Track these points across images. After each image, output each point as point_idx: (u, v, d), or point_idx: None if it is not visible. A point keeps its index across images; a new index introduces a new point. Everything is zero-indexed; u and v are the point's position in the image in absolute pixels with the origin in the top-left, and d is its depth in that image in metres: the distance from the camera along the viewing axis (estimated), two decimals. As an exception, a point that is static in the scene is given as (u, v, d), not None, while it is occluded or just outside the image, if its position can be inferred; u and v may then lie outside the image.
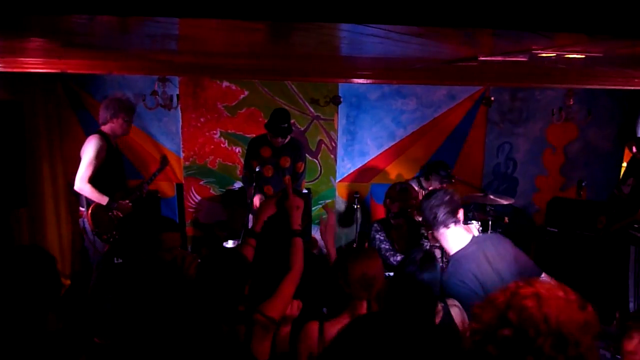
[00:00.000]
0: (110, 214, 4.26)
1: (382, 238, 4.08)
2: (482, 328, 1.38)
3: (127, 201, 4.38)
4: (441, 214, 2.59)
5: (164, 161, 4.94)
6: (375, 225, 4.23)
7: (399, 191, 4.07)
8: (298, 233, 2.62)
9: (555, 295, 1.37)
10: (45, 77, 5.14)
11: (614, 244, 4.58)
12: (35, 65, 3.80)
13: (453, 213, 2.61)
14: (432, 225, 2.65)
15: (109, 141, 4.31)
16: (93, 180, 4.19)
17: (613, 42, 1.69)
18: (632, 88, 4.71)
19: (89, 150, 4.17)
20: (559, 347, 1.30)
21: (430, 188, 5.46)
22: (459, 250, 2.61)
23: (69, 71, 4.09)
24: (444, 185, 5.42)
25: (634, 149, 4.85)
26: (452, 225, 2.61)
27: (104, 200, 4.20)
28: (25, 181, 4.99)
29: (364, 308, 2.31)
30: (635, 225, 4.47)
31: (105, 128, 4.34)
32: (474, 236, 2.65)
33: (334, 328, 2.22)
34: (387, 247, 4.03)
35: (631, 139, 4.93)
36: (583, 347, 1.30)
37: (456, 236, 2.62)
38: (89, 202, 4.23)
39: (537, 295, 1.36)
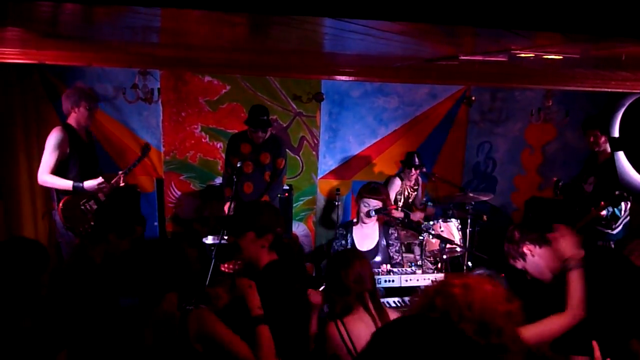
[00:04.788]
0: (82, 207, 4.20)
1: (336, 247, 4.08)
2: (413, 313, 1.51)
3: (98, 183, 4.25)
4: None
5: (146, 149, 4.78)
6: (339, 230, 4.20)
7: (370, 189, 4.09)
8: (261, 319, 2.24)
9: (482, 287, 1.48)
10: (22, 68, 5.04)
11: (584, 240, 4.66)
12: (12, 56, 3.72)
13: None
14: None
15: (73, 133, 4.24)
16: (57, 173, 4.16)
17: (588, 43, 1.73)
18: (609, 90, 4.79)
19: (48, 143, 4.16)
20: (481, 332, 1.39)
21: (411, 182, 5.52)
22: None
23: (47, 62, 4.02)
24: (417, 171, 5.48)
25: (592, 139, 4.92)
26: None
27: (67, 185, 4.14)
28: (0, 174, 4.91)
29: (368, 298, 2.59)
30: (603, 222, 4.55)
31: (71, 120, 4.28)
32: None
33: (354, 322, 2.47)
34: None
35: (595, 127, 4.95)
36: (505, 336, 1.40)
37: None
38: (59, 196, 4.18)
39: (465, 285, 1.47)
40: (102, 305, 2.73)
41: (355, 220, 4.17)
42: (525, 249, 2.58)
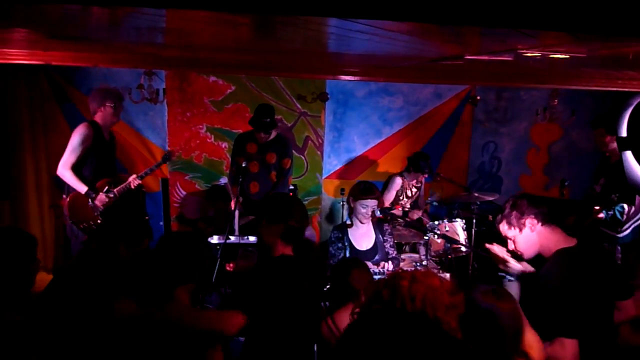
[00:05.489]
0: (90, 204, 4.25)
1: (333, 252, 4.04)
2: (362, 303, 1.58)
3: (111, 194, 4.34)
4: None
5: (168, 156, 4.86)
6: (334, 233, 4.12)
7: (362, 189, 4.06)
8: None
9: (428, 281, 1.57)
10: (29, 69, 5.06)
11: (589, 241, 4.63)
12: (19, 57, 3.74)
13: None
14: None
15: (98, 131, 4.32)
16: (76, 168, 4.23)
17: (596, 42, 1.72)
18: (615, 89, 4.77)
19: (73, 137, 4.24)
20: (423, 323, 1.41)
21: (414, 182, 5.51)
22: None
23: (54, 63, 4.04)
24: (425, 175, 5.47)
25: (597, 138, 4.87)
26: None
27: (82, 189, 4.22)
28: (8, 174, 4.94)
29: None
30: (604, 229, 4.53)
31: (97, 118, 4.38)
32: None
33: (342, 316, 2.51)
34: (338, 259, 4.01)
35: (601, 126, 4.91)
36: (445, 327, 1.49)
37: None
38: (69, 190, 4.24)
39: (412, 278, 1.56)
40: (96, 308, 2.72)
41: (349, 222, 4.12)
42: (527, 221, 2.56)
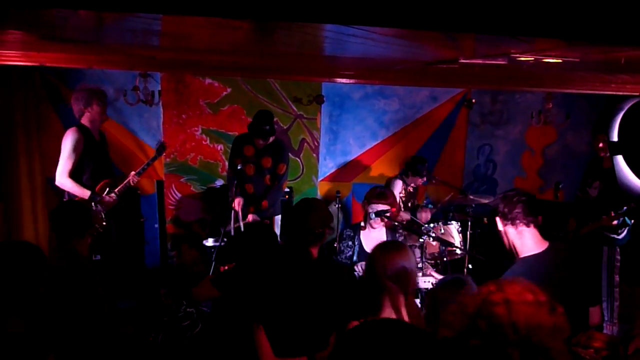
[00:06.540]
0: (94, 209, 4.22)
1: (342, 248, 4.09)
2: (453, 335, 1.35)
3: (113, 195, 4.31)
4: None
5: (162, 148, 4.84)
6: (346, 231, 4.21)
7: (377, 194, 4.09)
8: None
9: (525, 300, 1.34)
10: (23, 70, 5.04)
11: (587, 244, 4.66)
12: (13, 58, 3.72)
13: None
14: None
15: (88, 133, 4.28)
16: (74, 174, 4.18)
17: (589, 47, 1.73)
18: (609, 93, 4.80)
19: (66, 144, 4.19)
20: (529, 355, 1.27)
21: (412, 185, 5.53)
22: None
23: (48, 65, 4.03)
24: (424, 179, 5.49)
25: (601, 144, 4.91)
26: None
27: (85, 194, 4.18)
28: (1, 175, 4.91)
29: (402, 301, 2.30)
30: (606, 232, 4.55)
31: (84, 120, 4.33)
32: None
33: None
34: (345, 256, 4.05)
35: (601, 132, 4.95)
36: (554, 352, 1.28)
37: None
38: (71, 197, 4.20)
39: (507, 302, 1.33)
40: (93, 306, 2.72)
41: (362, 224, 4.16)
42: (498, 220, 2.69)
